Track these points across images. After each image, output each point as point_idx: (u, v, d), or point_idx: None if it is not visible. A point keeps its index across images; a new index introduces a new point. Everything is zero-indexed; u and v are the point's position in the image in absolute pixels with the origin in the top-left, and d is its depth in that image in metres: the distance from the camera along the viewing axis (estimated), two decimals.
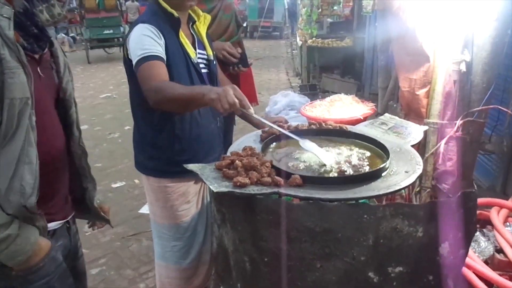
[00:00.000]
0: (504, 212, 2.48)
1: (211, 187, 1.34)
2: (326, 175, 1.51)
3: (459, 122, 2.25)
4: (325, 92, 8.32)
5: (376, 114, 2.82)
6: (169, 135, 2.17)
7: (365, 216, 1.30)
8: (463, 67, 2.16)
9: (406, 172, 1.53)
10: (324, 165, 1.58)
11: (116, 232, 4.09)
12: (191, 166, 1.50)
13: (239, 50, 2.68)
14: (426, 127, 1.92)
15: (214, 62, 2.34)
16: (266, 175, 1.44)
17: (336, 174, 1.54)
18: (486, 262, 2.16)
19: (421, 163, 1.59)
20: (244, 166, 1.46)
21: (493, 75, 2.21)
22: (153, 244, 2.54)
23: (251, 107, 1.58)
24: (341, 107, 2.55)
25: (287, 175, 1.47)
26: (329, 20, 9.65)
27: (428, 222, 1.31)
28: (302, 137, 1.68)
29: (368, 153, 1.73)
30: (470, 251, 2.20)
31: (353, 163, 1.63)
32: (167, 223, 2.40)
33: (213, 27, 2.82)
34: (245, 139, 1.89)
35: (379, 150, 1.74)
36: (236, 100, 1.51)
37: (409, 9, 2.20)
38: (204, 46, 2.31)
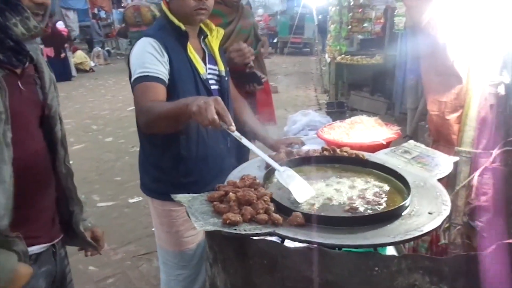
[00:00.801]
0: None
1: (195, 224, 1.16)
2: (333, 214, 1.30)
3: (496, 151, 1.98)
4: (353, 110, 8.06)
5: (404, 137, 2.57)
6: (174, 155, 2.02)
7: (376, 268, 1.08)
8: (501, 90, 1.91)
9: (429, 213, 1.30)
10: (338, 201, 1.38)
11: (128, 250, 3.97)
12: (179, 197, 1.33)
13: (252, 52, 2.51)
14: (456, 158, 1.68)
15: (226, 78, 2.19)
16: (263, 211, 1.25)
17: (346, 213, 1.33)
18: None
19: (449, 203, 1.35)
20: (238, 200, 1.28)
21: None
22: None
23: (233, 124, 1.40)
24: (362, 130, 2.33)
25: (288, 211, 1.28)
26: (360, 36, 9.41)
27: (455, 279, 1.07)
28: (306, 166, 1.47)
29: (386, 187, 1.51)
30: None
31: (367, 198, 1.41)
32: (172, 250, 2.25)
33: (229, 41, 2.69)
34: (248, 166, 1.71)
35: (400, 184, 1.51)
36: (215, 117, 1.34)
37: (440, 23, 1.98)
38: (216, 61, 2.16)
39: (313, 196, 1.40)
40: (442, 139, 2.14)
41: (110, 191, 5.18)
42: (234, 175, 1.59)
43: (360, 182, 1.54)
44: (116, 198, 5.02)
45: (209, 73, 2.08)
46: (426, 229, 1.20)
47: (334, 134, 2.37)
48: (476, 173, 1.99)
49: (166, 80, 1.87)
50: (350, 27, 8.64)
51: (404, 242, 1.14)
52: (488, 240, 2.06)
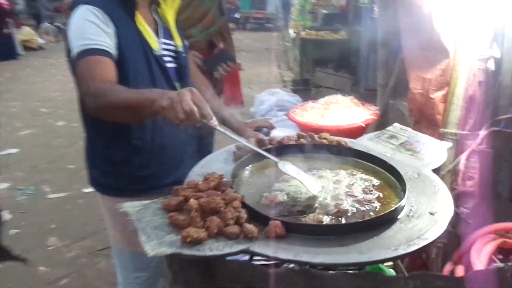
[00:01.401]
0: None
1: (144, 246, 0.89)
2: (319, 221, 1.06)
3: (483, 132, 1.82)
4: (319, 87, 7.89)
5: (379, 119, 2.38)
6: (125, 145, 1.72)
7: None
8: (491, 65, 1.74)
9: (430, 213, 1.10)
10: (322, 202, 1.15)
11: (84, 246, 3.62)
12: (126, 207, 1.05)
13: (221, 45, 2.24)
14: (449, 144, 1.49)
15: (184, 55, 1.88)
16: (233, 222, 0.99)
17: (331, 217, 1.10)
18: None
19: (451, 200, 1.15)
20: (201, 208, 1.01)
21: None
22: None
23: (213, 117, 1.21)
24: (338, 111, 2.11)
25: (264, 219, 1.03)
26: (323, 11, 9.17)
27: None
28: (283, 157, 1.24)
29: (375, 181, 1.30)
30: None
31: (356, 197, 1.19)
32: (128, 251, 1.96)
33: (187, 12, 2.36)
34: (213, 159, 1.44)
35: (391, 176, 1.30)
36: (194, 108, 1.15)
37: None
38: (171, 35, 1.85)
39: (295, 196, 1.16)
40: (425, 120, 1.96)
41: (62, 181, 4.76)
42: (196, 172, 1.32)
43: (345, 176, 1.32)
44: (69, 188, 4.62)
45: (163, 49, 1.77)
46: (431, 235, 1.00)
47: (308, 116, 2.14)
48: (462, 157, 1.82)
49: (115, 55, 1.55)
50: (315, 0, 8.37)
51: (408, 255, 0.93)
52: (473, 227, 1.93)
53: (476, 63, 1.75)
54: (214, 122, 1.19)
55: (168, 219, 1.01)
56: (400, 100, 5.45)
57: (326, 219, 1.08)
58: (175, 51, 1.83)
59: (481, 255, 1.89)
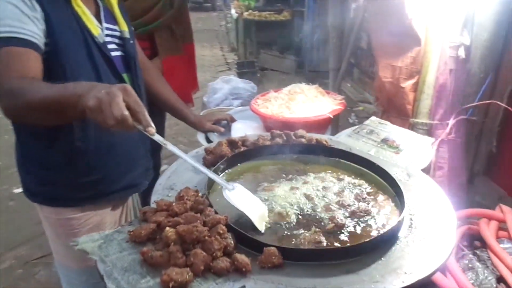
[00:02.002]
0: (494, 225, 2.09)
1: None
2: (317, 242, 0.92)
3: (451, 121, 1.79)
4: (264, 70, 7.79)
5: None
6: (65, 148, 1.44)
7: None
8: (461, 53, 1.69)
9: (432, 223, 1.00)
10: (313, 215, 1.01)
11: (19, 255, 3.23)
12: (82, 244, 0.83)
13: None
14: (432, 139, 1.41)
15: (132, 42, 1.62)
16: (220, 253, 0.82)
17: (327, 234, 0.96)
18: None
19: (450, 203, 1.07)
20: (181, 238, 0.82)
21: (492, 63, 1.76)
22: None
23: (151, 124, 0.98)
24: (304, 101, 1.98)
25: (256, 245, 0.87)
26: None
27: None
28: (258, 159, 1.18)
29: (366, 185, 1.18)
30: (469, 285, 1.76)
31: (350, 206, 1.07)
32: (76, 267, 1.70)
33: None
34: (180, 166, 1.23)
35: (379, 178, 1.19)
36: (126, 113, 0.93)
37: None
38: (115, 19, 1.57)
39: (280, 209, 1.01)
40: (394, 109, 1.89)
41: None
42: (163, 185, 1.12)
43: (332, 181, 1.19)
44: None
45: (107, 35, 1.50)
46: (443, 252, 0.89)
47: (272, 107, 1.98)
48: (433, 147, 1.77)
49: (42, 46, 1.27)
50: None
51: (426, 279, 0.82)
52: None
53: (447, 50, 1.69)
54: (152, 130, 0.97)
55: (139, 256, 0.81)
56: (344, 82, 5.50)
57: (323, 238, 0.94)
58: (121, 38, 1.57)
59: None
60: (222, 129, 2.04)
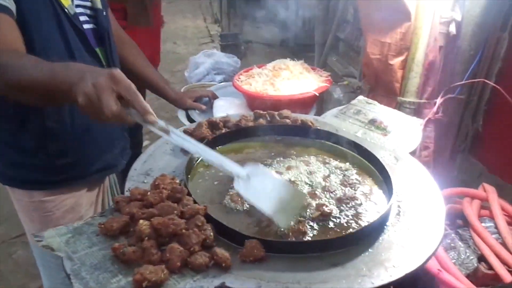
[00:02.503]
0: (476, 204, 2.10)
1: None
2: (302, 233, 0.87)
3: (439, 100, 1.75)
4: (248, 43, 7.61)
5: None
6: (37, 130, 1.35)
7: None
8: (452, 29, 1.62)
9: (421, 210, 0.96)
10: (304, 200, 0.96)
11: None
12: (47, 237, 0.76)
13: None
14: (421, 121, 1.37)
15: (104, 13, 1.50)
16: (198, 247, 0.76)
17: (313, 222, 0.92)
18: (469, 276, 1.76)
19: (438, 189, 1.03)
20: (156, 232, 0.76)
21: (482, 39, 1.71)
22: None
23: (149, 110, 0.88)
24: (289, 78, 1.90)
25: (237, 237, 0.82)
26: None
27: None
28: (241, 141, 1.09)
29: (352, 170, 1.13)
30: (451, 264, 1.77)
31: (336, 192, 1.02)
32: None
33: None
34: (157, 150, 1.16)
35: (367, 162, 1.15)
36: (114, 108, 0.83)
37: None
38: None
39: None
40: (381, 87, 1.83)
41: None
42: (138, 171, 1.05)
43: (317, 165, 1.13)
44: None
45: (77, 6, 1.38)
46: (432, 243, 0.86)
47: (256, 84, 1.90)
48: (420, 126, 1.73)
49: (14, 11, 1.15)
50: None
51: (413, 272, 0.78)
52: None
53: (438, 26, 1.63)
54: (151, 117, 0.87)
55: (111, 253, 0.74)
56: (330, 56, 5.40)
57: (307, 228, 0.90)
58: (92, 8, 1.45)
59: None
60: (204, 107, 1.96)
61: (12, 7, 1.14)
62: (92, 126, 1.44)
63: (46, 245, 0.74)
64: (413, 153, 1.62)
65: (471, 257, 1.83)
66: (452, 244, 1.92)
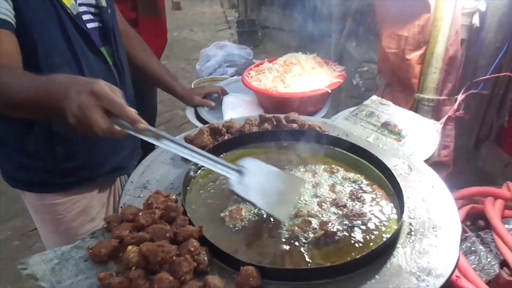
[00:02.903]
0: (500, 204, 1.99)
1: None
2: (304, 263, 0.81)
3: (460, 96, 1.64)
4: (265, 28, 7.46)
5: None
6: (44, 134, 1.33)
7: None
8: (476, 21, 1.50)
9: (435, 229, 0.89)
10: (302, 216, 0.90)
11: (14, 227, 3.20)
12: (32, 264, 0.73)
13: None
14: (438, 125, 1.28)
15: (110, 10, 1.45)
16: (190, 276, 0.72)
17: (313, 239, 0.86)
18: (490, 283, 1.68)
19: (454, 204, 0.95)
20: (145, 259, 0.72)
21: (509, 30, 1.58)
22: None
23: (138, 119, 0.86)
24: (300, 74, 1.82)
25: (233, 262, 0.77)
26: None
27: None
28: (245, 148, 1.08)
29: (363, 180, 1.06)
30: (470, 270, 1.68)
31: (343, 206, 0.95)
32: None
33: None
34: (156, 160, 1.12)
35: (378, 171, 1.07)
36: (104, 127, 0.83)
37: None
38: None
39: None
40: (398, 83, 1.73)
41: None
42: (135, 184, 1.01)
43: (324, 175, 1.06)
44: None
45: (81, 4, 1.33)
46: (445, 269, 0.79)
47: (265, 80, 1.82)
48: (440, 124, 1.63)
49: (14, 23, 1.12)
50: None
51: None
52: None
53: (460, 18, 1.51)
54: (141, 125, 0.85)
55: (98, 281, 0.71)
56: (349, 41, 5.23)
57: (307, 256, 0.84)
58: (97, 6, 1.40)
59: None
60: (213, 104, 1.90)
61: (12, 19, 1.11)
62: None
63: (31, 274, 0.70)
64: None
65: (493, 263, 1.75)
66: (473, 248, 1.83)
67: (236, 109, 1.85)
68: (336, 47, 3.57)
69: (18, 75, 1.00)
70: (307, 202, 0.96)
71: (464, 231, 1.86)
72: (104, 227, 0.84)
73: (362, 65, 5.01)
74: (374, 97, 1.38)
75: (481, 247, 1.80)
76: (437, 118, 1.69)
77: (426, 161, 1.16)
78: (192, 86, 2.33)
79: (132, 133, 0.85)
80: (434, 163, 1.73)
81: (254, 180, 0.89)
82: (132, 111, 0.85)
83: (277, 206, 0.86)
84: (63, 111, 0.85)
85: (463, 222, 1.87)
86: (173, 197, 0.91)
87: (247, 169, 0.90)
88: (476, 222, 2.00)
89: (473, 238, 1.84)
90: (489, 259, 1.73)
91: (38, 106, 0.94)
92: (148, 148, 1.38)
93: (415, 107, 1.70)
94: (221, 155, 1.14)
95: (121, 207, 0.91)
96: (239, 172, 0.90)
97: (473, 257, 1.75)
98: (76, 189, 1.46)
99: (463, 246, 1.79)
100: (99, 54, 1.35)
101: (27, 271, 0.71)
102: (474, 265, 1.72)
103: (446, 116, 1.65)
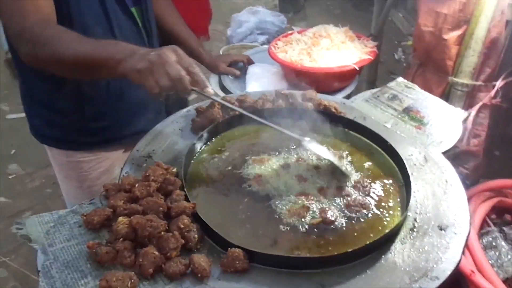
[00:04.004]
0: None
1: None
2: (295, 237, 0.80)
3: (499, 83, 1.51)
4: None
5: (368, 36, 1.97)
6: (73, 93, 1.36)
7: None
8: None
9: (440, 228, 0.84)
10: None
11: (48, 175, 3.34)
12: (28, 225, 0.75)
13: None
14: (465, 114, 1.19)
15: None
16: (176, 252, 0.72)
17: (309, 225, 0.84)
18: (507, 281, 1.61)
19: (466, 205, 0.89)
20: (133, 230, 0.73)
21: None
22: None
23: (207, 84, 0.96)
24: (328, 48, 1.74)
25: (222, 242, 0.76)
26: None
27: None
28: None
29: (372, 168, 1.01)
30: (487, 265, 1.62)
31: (347, 195, 0.92)
32: None
33: None
34: (165, 128, 1.12)
35: (390, 159, 1.02)
36: (183, 74, 0.90)
37: None
38: None
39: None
40: (431, 64, 1.61)
41: None
42: (140, 153, 1.01)
43: (334, 159, 1.02)
44: None
45: None
46: (441, 272, 0.75)
47: (292, 53, 1.76)
48: (472, 112, 1.53)
49: None
50: None
51: None
52: (470, 190, 1.72)
53: None
54: (210, 90, 0.95)
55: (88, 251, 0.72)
56: (395, 11, 4.93)
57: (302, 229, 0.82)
58: None
59: (474, 217, 1.72)
60: (238, 72, 1.87)
61: None
62: (126, 91, 1.43)
63: (25, 235, 0.73)
64: (460, 141, 1.45)
65: None
66: (494, 243, 1.76)
67: (260, 80, 1.80)
68: (377, 18, 3.37)
69: (71, 33, 1.05)
70: (308, 187, 0.94)
71: (487, 225, 1.78)
72: (103, 194, 0.86)
73: (406, 38, 4.73)
74: (400, 79, 1.30)
75: (503, 243, 1.72)
76: (471, 104, 1.58)
77: (447, 152, 1.09)
78: (221, 53, 2.30)
79: (200, 92, 0.94)
80: (462, 152, 1.65)
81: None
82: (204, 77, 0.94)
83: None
84: (126, 67, 0.91)
85: (487, 215, 1.78)
86: (174, 170, 0.91)
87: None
88: (502, 216, 1.91)
89: (496, 233, 1.76)
90: (509, 256, 1.66)
91: (93, 63, 0.99)
92: (171, 113, 1.39)
93: (448, 91, 1.59)
94: (233, 129, 1.12)
95: (123, 175, 0.91)
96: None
97: (493, 252, 1.68)
98: (103, 149, 1.50)
99: (483, 240, 1.72)
100: (130, 14, 1.33)
101: (23, 231, 0.74)
102: (493, 261, 1.66)
103: (481, 103, 1.54)
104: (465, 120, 1.50)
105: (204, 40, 2.22)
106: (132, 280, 0.66)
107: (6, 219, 2.95)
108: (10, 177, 3.19)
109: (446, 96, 1.59)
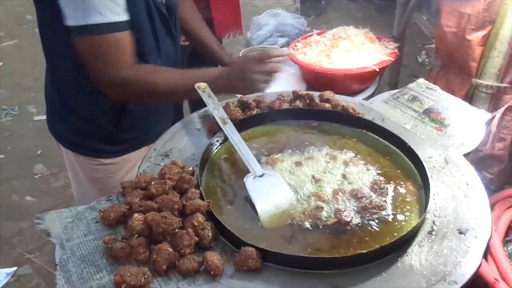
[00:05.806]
0: None
1: None
2: (309, 238, 0.79)
3: None
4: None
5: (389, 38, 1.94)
6: (113, 107, 1.36)
7: None
8: None
9: (460, 232, 0.82)
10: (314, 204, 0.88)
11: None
12: (48, 220, 0.77)
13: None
14: (488, 115, 1.16)
15: None
16: (190, 250, 0.72)
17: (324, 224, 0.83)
18: None
19: (488, 207, 0.87)
20: (149, 228, 0.74)
21: None
22: None
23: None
24: (348, 50, 1.72)
25: (235, 241, 0.76)
26: None
27: None
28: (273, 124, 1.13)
29: (389, 170, 1.00)
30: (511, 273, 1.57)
31: (362, 197, 0.91)
32: None
33: None
34: (182, 129, 1.13)
35: (409, 161, 1.00)
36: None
37: None
38: None
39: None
40: (454, 65, 1.58)
41: None
42: (158, 152, 1.02)
43: (350, 160, 1.01)
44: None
45: None
46: (460, 277, 0.73)
47: (311, 54, 1.75)
48: (497, 114, 1.49)
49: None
50: None
51: None
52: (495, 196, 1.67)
53: None
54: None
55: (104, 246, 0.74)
56: (419, 14, 4.84)
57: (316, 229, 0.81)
58: None
59: (498, 224, 1.67)
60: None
61: (128, 15, 1.14)
62: (158, 107, 1.48)
63: (44, 229, 0.75)
64: (484, 145, 1.42)
65: None
66: None
67: (278, 81, 1.80)
68: (399, 19, 3.32)
69: (166, 71, 1.21)
70: (325, 188, 0.93)
71: None
72: (120, 192, 0.87)
73: (430, 41, 4.64)
74: (420, 80, 1.28)
75: None
76: (496, 107, 1.54)
77: (469, 155, 1.06)
78: (240, 55, 2.30)
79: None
80: (486, 156, 1.60)
81: (267, 186, 0.91)
82: None
83: (268, 214, 0.86)
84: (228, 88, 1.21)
85: None
86: (190, 168, 0.92)
87: (269, 175, 0.93)
88: None
89: None
90: None
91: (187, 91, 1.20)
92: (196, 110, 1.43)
93: (471, 93, 1.55)
94: (251, 129, 1.12)
95: (141, 173, 0.93)
96: (260, 174, 0.93)
97: None
98: (128, 152, 1.51)
99: (508, 248, 1.66)
100: (174, 38, 1.38)
101: (42, 226, 0.76)
102: None
103: (506, 106, 1.49)
104: (489, 122, 1.46)
105: (239, 35, 2.21)
106: (146, 276, 0.67)
107: (31, 217, 3.02)
108: (36, 176, 3.27)
109: (469, 98, 1.55)
